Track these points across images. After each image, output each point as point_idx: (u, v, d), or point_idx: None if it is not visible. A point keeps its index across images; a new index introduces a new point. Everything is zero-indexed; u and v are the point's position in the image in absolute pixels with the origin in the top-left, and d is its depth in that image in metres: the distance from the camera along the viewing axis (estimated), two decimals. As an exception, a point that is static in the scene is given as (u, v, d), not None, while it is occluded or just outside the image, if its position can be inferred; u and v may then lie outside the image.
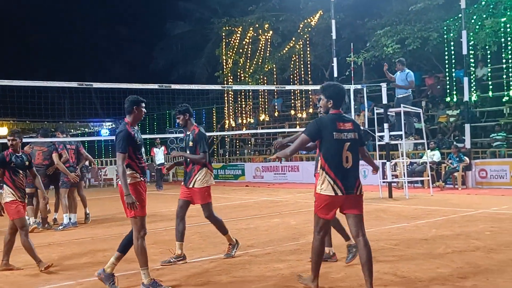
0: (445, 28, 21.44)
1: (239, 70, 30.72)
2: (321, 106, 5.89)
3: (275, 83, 28.93)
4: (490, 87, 21.06)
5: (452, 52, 21.70)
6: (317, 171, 6.20)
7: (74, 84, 14.08)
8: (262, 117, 30.10)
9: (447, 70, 22.18)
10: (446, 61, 22.04)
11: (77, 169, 12.26)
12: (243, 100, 31.45)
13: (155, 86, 14.94)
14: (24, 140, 9.81)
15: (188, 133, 7.83)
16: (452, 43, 21.53)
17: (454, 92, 21.73)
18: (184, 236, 7.81)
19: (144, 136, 11.72)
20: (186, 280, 6.81)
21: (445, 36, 21.56)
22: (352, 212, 5.84)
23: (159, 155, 23.34)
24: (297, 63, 28.59)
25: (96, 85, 14.45)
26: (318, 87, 22.64)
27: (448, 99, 21.98)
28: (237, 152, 30.52)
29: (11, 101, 18.98)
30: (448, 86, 22.16)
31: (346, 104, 23.06)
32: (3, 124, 27.41)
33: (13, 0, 44.07)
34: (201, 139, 7.68)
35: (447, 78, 22.23)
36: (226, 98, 31.50)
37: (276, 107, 30.18)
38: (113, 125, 37.94)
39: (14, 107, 19.79)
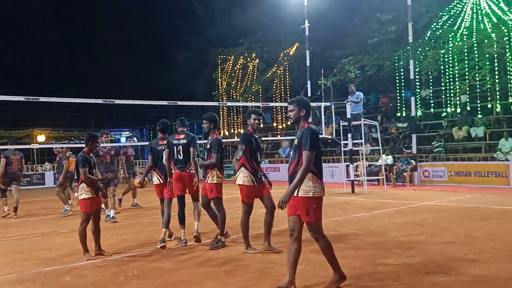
0: (396, 57, 21.62)
1: (231, 90, 30.78)
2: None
3: (260, 100, 29.02)
4: (432, 104, 21.27)
5: (402, 76, 21.83)
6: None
7: (99, 101, 14.04)
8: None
9: (397, 91, 22.35)
10: (397, 84, 22.20)
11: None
12: (235, 114, 31.51)
13: (164, 102, 14.94)
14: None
15: (208, 137, 7.76)
16: (402, 70, 21.67)
17: (403, 109, 21.90)
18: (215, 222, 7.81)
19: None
20: (190, 259, 6.86)
21: (396, 64, 21.73)
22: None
23: None
24: (278, 85, 28.68)
25: (118, 101, 14.47)
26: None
27: (398, 114, 22.16)
28: (230, 156, 30.53)
29: (48, 114, 18.99)
30: (398, 104, 22.32)
31: (318, 118, 23.30)
32: (41, 133, 27.20)
33: (49, 30, 43.99)
34: (215, 144, 7.58)
35: (398, 97, 22.39)
36: (221, 113, 31.52)
37: (262, 120, 30.25)
38: (130, 134, 37.74)
39: (50, 119, 19.79)
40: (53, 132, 27.87)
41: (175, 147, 7.91)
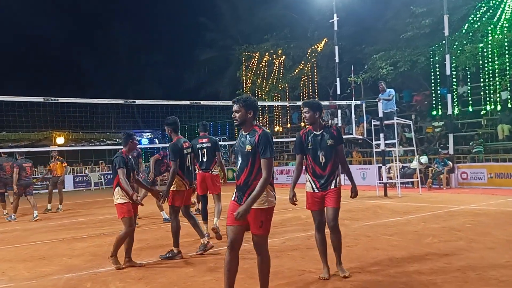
0: (431, 52, 21.36)
1: (256, 89, 30.82)
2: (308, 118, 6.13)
3: (287, 99, 29.01)
4: (470, 102, 20.94)
5: (437, 73, 21.61)
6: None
7: (120, 101, 14.26)
8: (276, 128, 30.17)
9: (433, 88, 22.10)
10: (432, 81, 21.95)
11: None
12: (260, 114, 31.52)
13: (187, 102, 15.02)
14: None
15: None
16: (437, 65, 21.43)
17: (439, 107, 21.64)
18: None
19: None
20: (207, 267, 6.93)
21: (431, 59, 21.48)
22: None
23: None
24: (306, 83, 28.63)
25: (138, 102, 14.65)
26: (324, 102, 22.67)
27: (434, 112, 21.90)
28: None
29: (68, 115, 19.31)
30: (434, 102, 22.07)
31: (348, 117, 23.18)
32: (60, 135, 27.70)
33: (66, 31, 44.77)
34: (170, 151, 7.61)
35: (433, 95, 22.14)
36: (246, 112, 31.57)
37: (288, 119, 30.25)
38: (151, 135, 38.14)
39: (70, 120, 20.12)
40: (73, 134, 28.35)
41: (199, 151, 8.74)
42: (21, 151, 14.39)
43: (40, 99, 11.53)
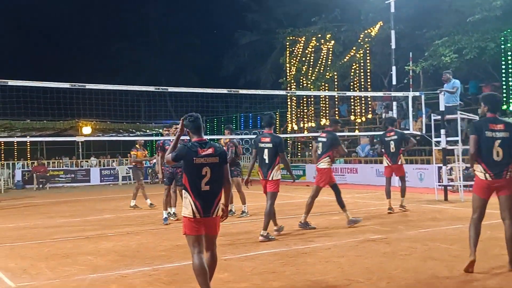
0: (502, 38, 20.81)
1: (301, 77, 30.69)
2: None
3: (336, 89, 28.79)
4: (547, 95, 20.38)
5: (509, 61, 21.07)
6: None
7: (151, 88, 14.43)
8: (323, 121, 30.00)
9: (503, 78, 21.55)
10: (503, 70, 21.41)
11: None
12: (305, 105, 31.42)
13: (224, 91, 14.98)
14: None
15: None
16: (509, 53, 20.89)
17: (511, 101, 21.10)
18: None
19: (212, 137, 11.77)
20: (252, 270, 6.93)
21: (502, 46, 20.92)
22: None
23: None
24: (357, 71, 28.35)
25: (171, 89, 14.76)
26: (378, 94, 22.50)
27: (504, 106, 21.34)
28: (299, 154, 30.51)
29: (96, 103, 19.72)
30: (504, 94, 21.50)
31: (404, 110, 22.83)
32: (87, 124, 28.28)
33: (99, 17, 45.75)
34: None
35: (504, 86, 21.58)
36: (289, 103, 31.58)
37: (336, 112, 30.03)
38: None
39: (98, 108, 20.53)
40: (100, 124, 28.89)
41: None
42: (47, 140, 14.80)
43: (66, 85, 11.80)
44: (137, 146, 15.76)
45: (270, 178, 9.16)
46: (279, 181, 9.26)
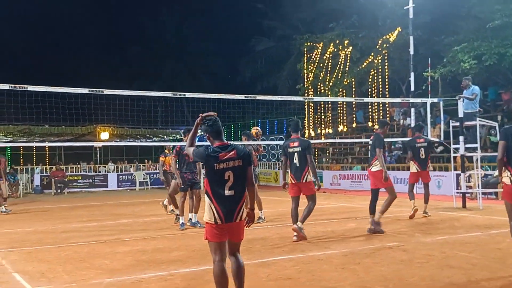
0: (522, 44, 20.68)
1: (319, 83, 30.68)
2: None
3: (353, 95, 28.73)
4: None
5: (529, 67, 20.92)
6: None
7: (168, 94, 14.43)
8: (340, 127, 29.95)
9: (524, 85, 21.38)
10: (523, 77, 21.26)
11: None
12: (322, 111, 31.40)
13: (241, 96, 15.05)
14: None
15: None
16: (529, 59, 20.74)
17: (531, 107, 20.90)
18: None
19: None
20: (267, 276, 6.93)
21: (523, 53, 20.79)
22: None
23: None
24: (375, 77, 28.28)
25: (188, 95, 14.78)
26: (396, 100, 22.43)
27: (524, 113, 21.16)
28: (316, 160, 30.45)
29: (113, 109, 19.89)
30: (524, 101, 21.34)
31: (422, 117, 22.71)
32: (105, 130, 28.45)
33: (117, 24, 46.20)
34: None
35: (524, 93, 21.41)
36: (306, 110, 31.58)
37: (354, 118, 29.96)
38: (201, 132, 38.65)
39: (116, 114, 20.69)
40: (118, 129, 29.06)
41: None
42: (65, 145, 15.19)
43: (85, 91, 11.93)
44: (166, 151, 15.87)
45: (304, 181, 9.44)
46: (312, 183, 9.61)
